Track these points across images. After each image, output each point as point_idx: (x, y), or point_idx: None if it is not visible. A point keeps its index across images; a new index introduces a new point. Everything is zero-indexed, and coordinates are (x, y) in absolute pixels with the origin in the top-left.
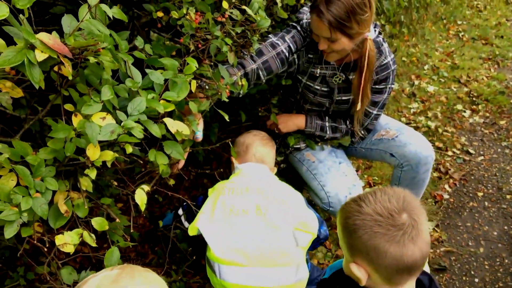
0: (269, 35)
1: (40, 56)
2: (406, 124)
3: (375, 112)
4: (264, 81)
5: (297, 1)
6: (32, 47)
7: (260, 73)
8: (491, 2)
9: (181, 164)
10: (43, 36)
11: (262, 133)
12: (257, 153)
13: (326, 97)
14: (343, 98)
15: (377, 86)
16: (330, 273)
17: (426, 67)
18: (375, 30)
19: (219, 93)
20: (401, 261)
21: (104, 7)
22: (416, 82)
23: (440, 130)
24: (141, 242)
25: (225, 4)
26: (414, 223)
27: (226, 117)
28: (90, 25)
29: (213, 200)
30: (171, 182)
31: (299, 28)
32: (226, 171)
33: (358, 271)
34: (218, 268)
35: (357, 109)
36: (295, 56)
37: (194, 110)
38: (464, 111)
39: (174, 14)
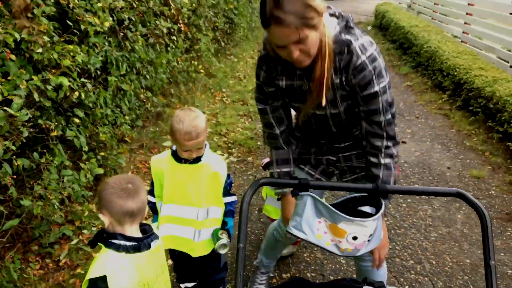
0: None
1: None
2: None
3: (383, 118)
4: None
5: None
6: None
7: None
8: (250, 72)
9: None
10: None
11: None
12: None
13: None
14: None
15: (364, 93)
16: None
17: None
18: (337, 25)
19: None
20: (124, 208)
21: None
22: None
23: None
24: None
25: None
26: (134, 190)
27: None
28: None
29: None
30: None
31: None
32: None
33: (103, 218)
34: None
35: (323, 105)
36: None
37: None
38: (222, 155)
39: None
